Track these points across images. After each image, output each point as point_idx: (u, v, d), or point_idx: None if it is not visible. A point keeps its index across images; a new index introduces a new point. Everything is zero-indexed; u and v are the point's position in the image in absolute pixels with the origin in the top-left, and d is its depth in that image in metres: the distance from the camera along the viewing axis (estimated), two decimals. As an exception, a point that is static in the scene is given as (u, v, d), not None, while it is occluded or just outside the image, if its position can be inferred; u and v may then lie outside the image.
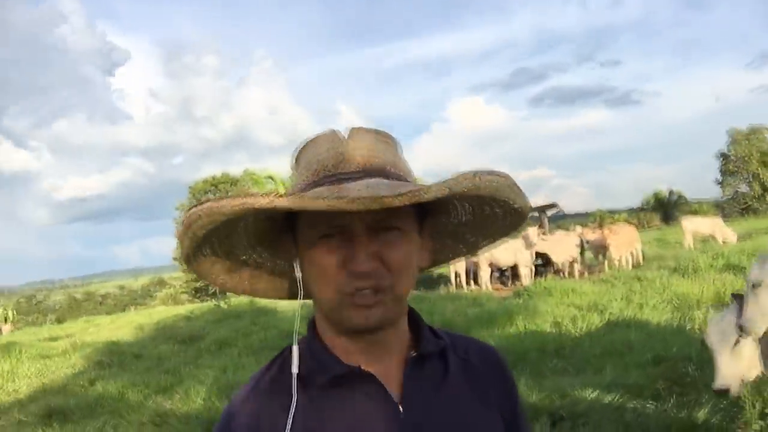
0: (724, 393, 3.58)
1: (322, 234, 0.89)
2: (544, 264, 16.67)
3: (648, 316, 8.41)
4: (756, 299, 3.26)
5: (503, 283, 17.02)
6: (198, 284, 36.21)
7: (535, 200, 22.32)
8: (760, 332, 3.28)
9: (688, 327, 7.40)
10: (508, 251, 14.95)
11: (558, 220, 28.42)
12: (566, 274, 16.01)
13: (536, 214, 21.72)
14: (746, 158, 51.15)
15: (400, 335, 0.99)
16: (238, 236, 0.97)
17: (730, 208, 53.79)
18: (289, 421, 0.89)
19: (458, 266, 15.38)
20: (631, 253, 16.34)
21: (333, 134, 0.94)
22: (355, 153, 0.91)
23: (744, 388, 3.51)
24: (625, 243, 16.14)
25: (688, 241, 17.74)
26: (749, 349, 3.48)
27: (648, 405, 4.92)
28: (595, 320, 8.53)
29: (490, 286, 15.70)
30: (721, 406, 4.50)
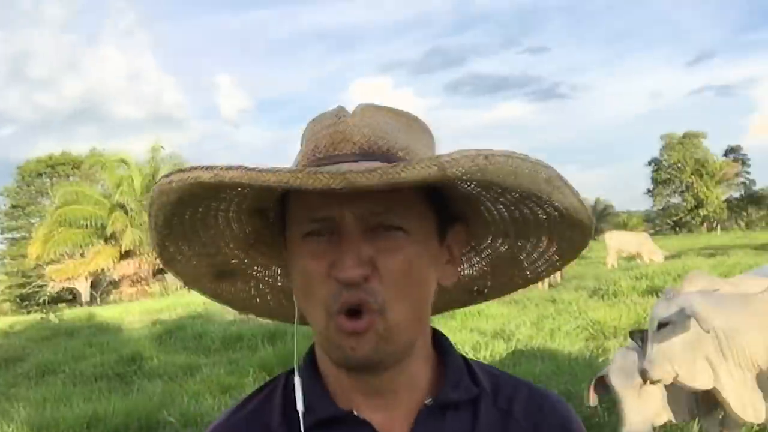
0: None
1: (306, 231, 0.83)
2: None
3: (559, 345, 8.79)
4: (660, 340, 3.40)
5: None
6: (24, 291, 34.46)
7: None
8: (667, 379, 3.40)
9: (601, 359, 7.77)
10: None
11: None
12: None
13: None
14: (680, 166, 54.62)
15: (409, 376, 0.90)
16: (221, 233, 0.94)
17: (660, 222, 57.31)
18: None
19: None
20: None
21: (338, 110, 0.89)
22: (356, 132, 0.85)
23: None
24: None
25: (612, 259, 18.74)
26: (657, 390, 3.65)
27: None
28: (500, 348, 8.83)
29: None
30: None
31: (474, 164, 0.74)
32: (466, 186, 0.85)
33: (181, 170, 0.79)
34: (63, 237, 30.75)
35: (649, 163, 57.55)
